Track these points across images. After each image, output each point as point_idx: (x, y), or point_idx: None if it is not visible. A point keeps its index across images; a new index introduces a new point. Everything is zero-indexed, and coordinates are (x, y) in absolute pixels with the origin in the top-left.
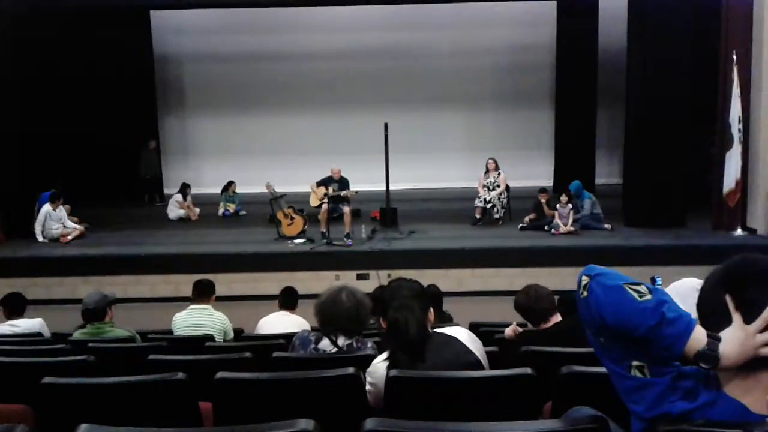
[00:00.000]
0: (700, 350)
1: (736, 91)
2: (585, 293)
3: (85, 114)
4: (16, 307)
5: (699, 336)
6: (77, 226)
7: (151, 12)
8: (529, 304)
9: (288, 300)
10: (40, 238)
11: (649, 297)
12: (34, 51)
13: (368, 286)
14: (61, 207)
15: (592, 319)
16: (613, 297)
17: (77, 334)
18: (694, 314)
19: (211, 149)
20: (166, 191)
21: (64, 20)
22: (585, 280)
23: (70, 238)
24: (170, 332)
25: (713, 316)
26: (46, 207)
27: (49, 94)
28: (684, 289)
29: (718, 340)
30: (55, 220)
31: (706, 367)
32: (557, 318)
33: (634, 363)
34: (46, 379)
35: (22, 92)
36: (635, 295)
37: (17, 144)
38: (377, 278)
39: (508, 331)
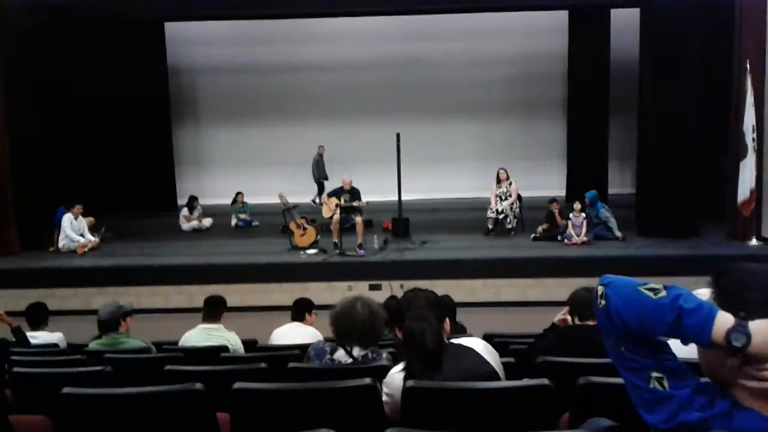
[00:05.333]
0: (730, 328)
1: (749, 99)
2: (602, 302)
3: (100, 125)
4: (39, 317)
5: (725, 318)
6: (93, 238)
7: (166, 24)
8: (587, 298)
9: (299, 312)
10: (61, 245)
11: (664, 293)
12: (49, 64)
13: (381, 297)
14: (81, 218)
15: (614, 326)
16: (629, 300)
17: (93, 345)
18: None
19: (223, 160)
20: (179, 202)
21: (79, 33)
22: (601, 289)
23: (86, 249)
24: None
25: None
26: (67, 215)
27: (65, 106)
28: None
29: (747, 319)
30: (75, 231)
31: (739, 345)
32: None
33: (654, 375)
34: (65, 390)
35: (38, 104)
36: (650, 293)
37: (35, 156)
38: (390, 289)
39: (560, 316)
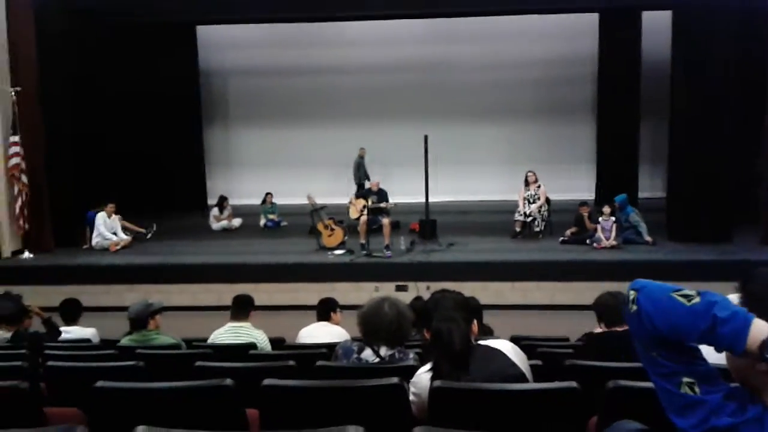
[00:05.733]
0: (766, 338)
1: None
2: (634, 307)
3: (132, 125)
4: (73, 312)
5: (761, 326)
6: (126, 237)
7: (198, 27)
8: (614, 303)
9: (323, 312)
10: (95, 242)
11: (697, 300)
12: (83, 65)
13: (407, 298)
14: (114, 217)
15: (645, 331)
16: (662, 306)
17: (124, 341)
18: None
19: (253, 161)
20: (209, 202)
21: (113, 36)
22: (632, 294)
23: (118, 247)
24: None
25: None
26: (101, 214)
27: (98, 106)
28: None
29: None
30: (108, 229)
31: None
32: None
33: (685, 380)
34: (99, 383)
35: (73, 104)
36: (683, 300)
37: (70, 156)
38: (416, 290)
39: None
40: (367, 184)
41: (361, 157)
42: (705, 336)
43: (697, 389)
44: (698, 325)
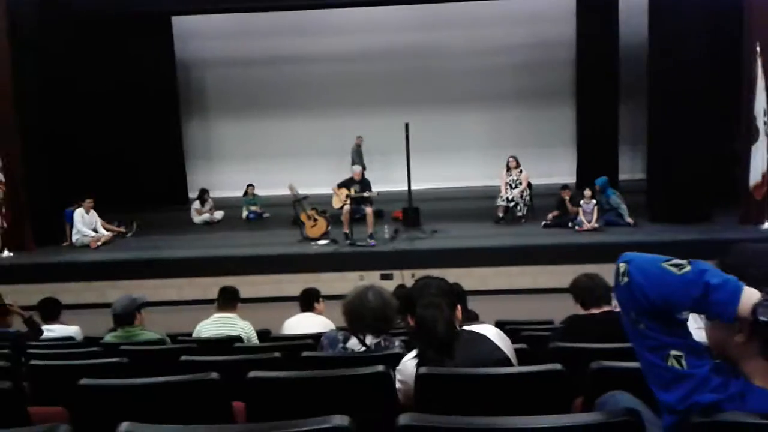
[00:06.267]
0: (757, 302)
1: (760, 83)
2: (625, 279)
3: (109, 121)
4: (52, 311)
5: (751, 293)
6: (106, 233)
7: (173, 18)
8: (590, 285)
9: (306, 302)
10: (74, 239)
11: (688, 268)
12: (57, 60)
13: (392, 286)
14: (93, 212)
15: (636, 303)
16: (653, 276)
17: (108, 338)
18: None
19: (233, 153)
20: (190, 195)
21: (88, 29)
22: (623, 266)
23: (99, 243)
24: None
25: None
26: (79, 210)
27: (74, 102)
28: None
29: None
30: (86, 225)
31: (766, 319)
32: (609, 308)
33: (673, 353)
34: (83, 381)
35: (47, 101)
36: (674, 269)
37: (46, 153)
38: (401, 278)
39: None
40: (354, 171)
41: (358, 146)
42: (697, 303)
43: (684, 362)
44: (691, 293)
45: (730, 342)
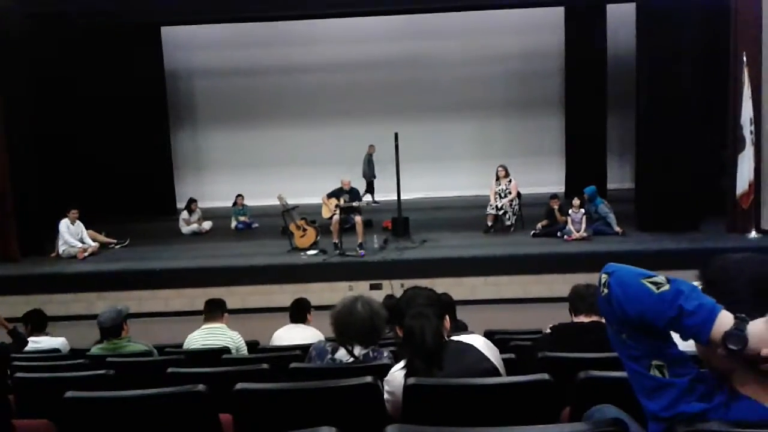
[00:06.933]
0: (728, 330)
1: (747, 92)
2: (605, 290)
3: (98, 130)
4: (38, 323)
5: (725, 319)
6: (93, 243)
7: (162, 28)
8: (583, 293)
9: (298, 313)
10: (61, 250)
11: (666, 287)
12: (46, 69)
13: (382, 297)
14: (79, 223)
15: (615, 315)
16: (632, 292)
17: (95, 350)
18: None
19: (222, 163)
20: (178, 205)
21: (76, 39)
22: (604, 278)
23: (86, 254)
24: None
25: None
26: (64, 221)
27: (63, 111)
28: None
29: (746, 321)
30: (73, 236)
31: (735, 348)
32: (598, 318)
33: (654, 362)
34: (69, 394)
35: (36, 109)
36: (653, 287)
37: (35, 162)
38: (390, 288)
39: None
40: (337, 185)
41: (370, 155)
42: (671, 324)
43: (666, 372)
44: (666, 313)
45: (715, 354)
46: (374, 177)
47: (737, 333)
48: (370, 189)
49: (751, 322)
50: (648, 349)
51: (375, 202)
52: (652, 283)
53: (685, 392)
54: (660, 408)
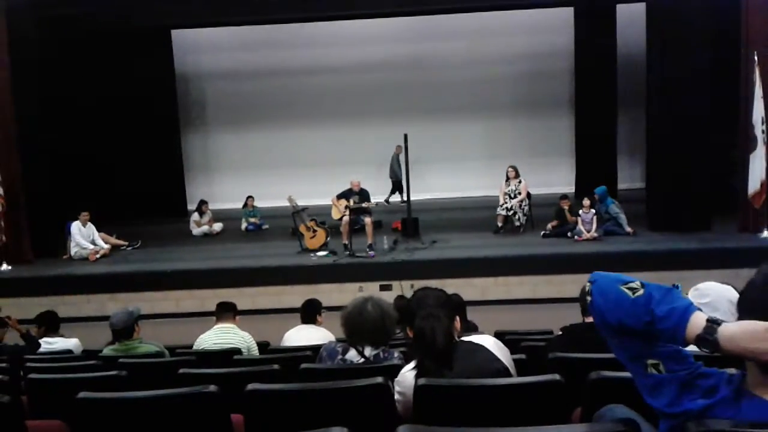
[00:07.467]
0: (699, 334)
1: (758, 91)
2: (589, 298)
3: (109, 133)
4: (50, 324)
5: (698, 322)
6: (105, 245)
7: (173, 32)
8: None
9: (309, 314)
10: (73, 252)
11: (641, 292)
12: (57, 73)
13: (392, 297)
14: (90, 225)
15: (599, 321)
16: (610, 298)
17: (107, 351)
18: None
19: (232, 165)
20: (189, 207)
21: (88, 43)
22: (587, 286)
23: (98, 256)
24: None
25: (755, 314)
26: (76, 223)
27: (74, 115)
28: (715, 298)
29: (717, 323)
30: (84, 238)
31: (706, 351)
32: None
33: (649, 361)
34: (82, 394)
35: (48, 113)
36: (629, 292)
37: (46, 166)
38: (400, 289)
39: None
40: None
41: (397, 155)
42: (647, 329)
43: (662, 368)
44: (641, 318)
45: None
46: (399, 177)
47: (706, 336)
48: (398, 188)
49: (723, 325)
50: (639, 349)
51: (388, 202)
52: (628, 288)
53: (685, 388)
54: (663, 404)
